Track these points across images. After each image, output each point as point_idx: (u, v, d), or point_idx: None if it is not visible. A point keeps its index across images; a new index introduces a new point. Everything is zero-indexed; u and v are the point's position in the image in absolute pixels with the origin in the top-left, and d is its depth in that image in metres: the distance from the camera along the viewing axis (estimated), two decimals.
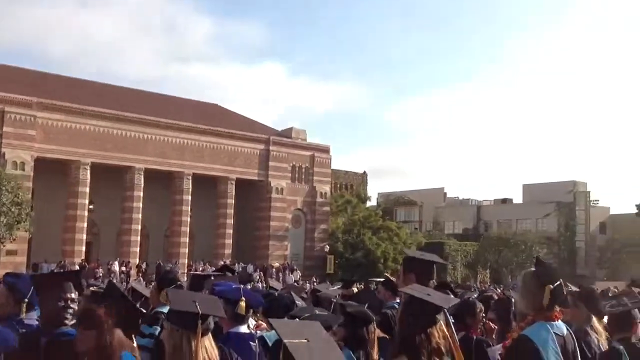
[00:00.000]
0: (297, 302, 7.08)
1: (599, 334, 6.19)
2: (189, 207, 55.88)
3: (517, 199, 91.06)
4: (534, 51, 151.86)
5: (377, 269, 56.35)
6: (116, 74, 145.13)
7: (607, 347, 5.95)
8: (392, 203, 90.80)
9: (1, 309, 5.50)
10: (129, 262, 51.27)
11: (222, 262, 45.30)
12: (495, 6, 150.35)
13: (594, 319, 6.31)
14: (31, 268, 44.96)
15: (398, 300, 7.05)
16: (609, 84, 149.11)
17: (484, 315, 7.17)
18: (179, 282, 7.13)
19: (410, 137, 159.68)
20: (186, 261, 54.77)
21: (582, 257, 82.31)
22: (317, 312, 5.68)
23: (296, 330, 3.49)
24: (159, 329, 6.32)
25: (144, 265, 51.84)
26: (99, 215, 52.73)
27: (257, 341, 5.65)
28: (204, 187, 56.69)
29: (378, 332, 6.18)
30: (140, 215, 53.18)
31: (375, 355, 5.57)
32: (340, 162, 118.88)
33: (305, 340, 3.30)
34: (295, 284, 41.70)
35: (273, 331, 4.72)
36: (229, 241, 58.24)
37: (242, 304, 5.47)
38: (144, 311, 7.90)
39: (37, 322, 5.57)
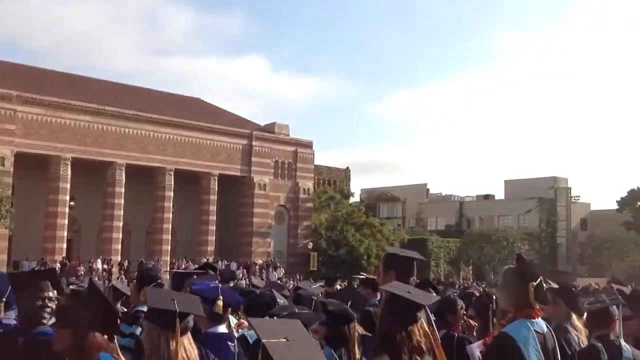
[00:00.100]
0: (278, 300, 7.04)
1: (579, 331, 6.20)
2: (171, 204, 55.66)
3: (499, 194, 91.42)
4: (516, 50, 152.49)
5: (361, 265, 56.33)
6: (96, 67, 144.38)
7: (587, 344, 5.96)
8: (375, 199, 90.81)
9: None
10: (110, 259, 50.97)
11: (205, 260, 45.34)
12: (482, 4, 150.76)
13: (574, 316, 6.32)
14: (12, 266, 44.67)
15: (379, 297, 7.03)
16: (589, 81, 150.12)
17: (464, 312, 7.16)
18: (159, 281, 7.09)
19: (392, 133, 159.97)
20: (168, 258, 54.56)
21: (563, 253, 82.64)
22: (296, 310, 5.64)
23: (275, 329, 3.45)
24: (139, 328, 6.26)
25: (125, 263, 51.58)
26: (80, 211, 52.42)
27: (236, 341, 5.61)
28: (186, 183, 56.47)
29: (361, 330, 6.16)
30: (121, 212, 52.91)
31: (357, 353, 5.54)
32: (323, 157, 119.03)
33: (285, 339, 3.26)
34: (279, 281, 41.62)
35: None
36: (211, 238, 58.11)
37: (220, 303, 5.42)
38: (125, 310, 7.86)
39: (15, 322, 5.51)
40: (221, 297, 5.47)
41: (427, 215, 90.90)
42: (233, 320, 7.16)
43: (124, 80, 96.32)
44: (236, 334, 6.53)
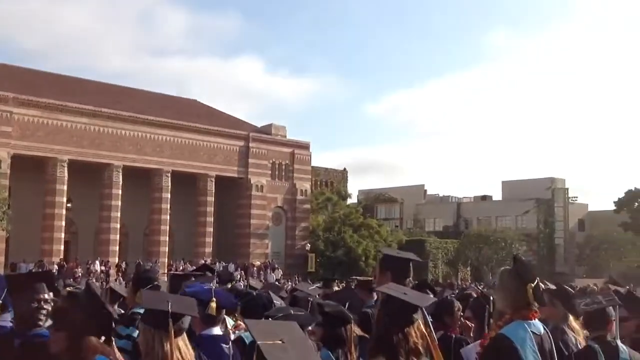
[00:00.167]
0: (275, 301, 7.02)
1: (576, 333, 6.19)
2: (168, 205, 55.61)
3: (497, 195, 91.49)
4: (514, 50, 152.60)
5: (359, 267, 56.32)
6: (92, 68, 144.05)
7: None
8: (373, 200, 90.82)
9: None
10: (108, 261, 50.92)
11: (203, 261, 45.29)
12: (479, 4, 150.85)
13: (571, 318, 6.31)
14: (9, 268, 44.59)
15: (376, 299, 7.03)
16: (587, 82, 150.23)
17: (461, 314, 7.16)
18: (155, 282, 7.05)
19: (390, 134, 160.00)
20: (166, 260, 54.49)
21: (561, 254, 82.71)
22: (292, 312, 5.62)
23: (271, 330, 3.43)
24: (136, 330, 6.24)
25: (123, 265, 51.52)
26: (77, 213, 52.37)
27: (230, 343, 5.60)
28: (184, 185, 56.45)
29: (358, 331, 6.15)
30: (119, 214, 52.87)
31: (354, 355, 5.53)
32: (320, 159, 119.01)
33: (280, 341, 3.25)
34: (277, 282, 41.58)
35: None
36: (209, 239, 58.07)
37: (213, 304, 5.42)
38: (123, 312, 7.84)
39: (11, 324, 5.50)
40: (215, 299, 5.47)
41: (424, 216, 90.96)
42: (230, 322, 7.14)
43: (120, 81, 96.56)
44: (233, 336, 6.52)
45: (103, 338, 4.41)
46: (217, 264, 50.64)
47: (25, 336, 5.12)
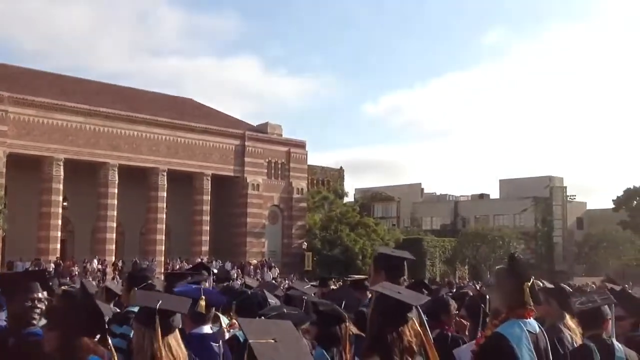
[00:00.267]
0: (270, 300, 7.01)
1: (572, 331, 6.18)
2: (165, 204, 55.58)
3: (494, 194, 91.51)
4: (511, 50, 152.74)
5: (356, 265, 56.33)
6: (88, 68, 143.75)
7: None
8: (369, 199, 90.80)
9: None
10: (104, 260, 50.93)
11: (199, 260, 45.28)
12: (478, 4, 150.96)
13: (567, 316, 6.30)
14: (6, 266, 44.60)
15: (370, 297, 7.02)
16: (585, 81, 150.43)
17: (456, 312, 7.16)
18: (149, 281, 7.03)
19: (386, 132, 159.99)
20: (162, 259, 54.50)
21: (559, 252, 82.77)
22: (285, 310, 5.62)
23: (264, 329, 3.41)
24: (130, 328, 6.25)
25: (120, 263, 51.49)
26: (73, 212, 52.34)
27: (220, 342, 5.60)
28: (180, 184, 56.41)
29: (354, 330, 6.13)
30: (115, 212, 52.81)
31: (349, 353, 5.52)
32: (316, 157, 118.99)
33: (272, 340, 3.23)
34: (274, 281, 41.57)
35: None
36: (205, 238, 58.04)
37: (202, 302, 5.43)
38: (119, 310, 7.83)
39: (5, 323, 5.50)
40: (203, 297, 5.47)
41: (421, 215, 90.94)
42: (225, 321, 7.14)
43: (116, 81, 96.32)
44: (228, 334, 6.52)
45: (98, 336, 4.41)
46: (214, 262, 50.66)
47: (19, 335, 5.13)
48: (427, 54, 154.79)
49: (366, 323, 5.64)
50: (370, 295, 7.02)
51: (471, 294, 9.40)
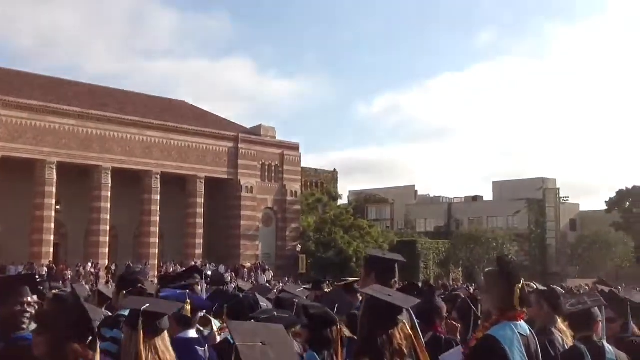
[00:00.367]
0: (262, 303, 7.00)
1: (563, 333, 6.18)
2: (158, 207, 55.47)
3: (488, 196, 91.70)
4: (504, 51, 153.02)
5: (350, 267, 56.33)
6: (80, 69, 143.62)
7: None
8: (363, 201, 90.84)
9: None
10: (97, 263, 50.81)
11: (193, 262, 45.19)
12: (468, 4, 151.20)
13: (559, 319, 6.30)
14: None
15: (361, 299, 7.02)
16: (577, 82, 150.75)
17: (446, 315, 7.15)
18: (140, 285, 7.00)
19: (380, 135, 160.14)
20: (156, 262, 54.39)
21: (553, 254, 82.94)
22: (275, 313, 5.61)
23: (252, 332, 3.40)
24: (120, 332, 6.23)
25: (113, 267, 51.37)
26: (66, 215, 52.19)
27: (206, 346, 5.60)
28: (173, 186, 56.36)
29: (347, 333, 6.12)
30: (108, 216, 52.71)
31: (341, 356, 5.51)
32: (310, 160, 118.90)
33: (260, 343, 3.22)
34: (268, 284, 41.50)
35: None
36: (199, 241, 57.95)
37: (187, 307, 5.42)
38: (110, 314, 7.80)
39: None
40: (188, 301, 5.47)
41: (415, 217, 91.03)
42: (216, 324, 7.13)
43: (108, 83, 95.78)
44: (219, 338, 6.50)
45: (90, 339, 4.39)
46: (208, 265, 50.62)
47: (9, 339, 5.09)
48: (420, 54, 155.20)
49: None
50: (361, 298, 7.03)
51: (463, 296, 9.39)
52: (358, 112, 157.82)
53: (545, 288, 8.13)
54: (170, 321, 4.69)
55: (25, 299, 5.28)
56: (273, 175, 63.44)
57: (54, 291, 9.70)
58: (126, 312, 6.11)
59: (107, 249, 52.96)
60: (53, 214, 50.27)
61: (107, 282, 42.52)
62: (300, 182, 67.14)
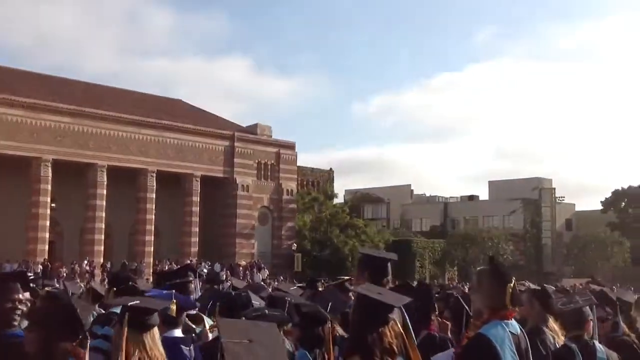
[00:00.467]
0: (255, 302, 7.00)
1: (555, 333, 6.18)
2: (154, 205, 55.40)
3: (483, 195, 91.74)
4: (500, 51, 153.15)
5: (345, 266, 56.36)
6: (76, 68, 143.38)
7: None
8: (359, 200, 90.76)
9: None
10: (93, 261, 50.74)
11: (189, 261, 45.22)
12: (464, 4, 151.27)
13: (551, 319, 6.30)
14: None
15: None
16: (574, 82, 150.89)
17: (437, 313, 7.15)
18: (131, 282, 6.99)
19: (377, 134, 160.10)
20: (151, 260, 54.32)
21: (548, 254, 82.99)
22: (266, 311, 5.62)
23: (241, 330, 3.39)
24: (111, 330, 6.23)
25: (108, 265, 51.29)
26: (61, 213, 51.98)
27: (191, 345, 5.60)
28: (169, 185, 56.19)
29: (341, 331, 6.12)
30: (103, 214, 52.65)
31: (332, 355, 5.51)
32: (306, 158, 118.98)
33: (248, 341, 3.21)
34: (263, 282, 41.47)
35: None
36: (195, 239, 57.88)
37: (173, 306, 5.42)
38: (103, 312, 7.80)
39: None
40: (174, 301, 5.47)
41: (411, 216, 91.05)
42: (209, 322, 7.13)
43: (104, 82, 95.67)
44: (211, 335, 6.50)
45: (80, 337, 4.39)
46: (203, 264, 50.61)
47: (0, 336, 5.08)
48: (417, 54, 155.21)
49: None
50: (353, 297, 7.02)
51: (455, 294, 9.38)
52: (355, 112, 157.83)
53: (539, 287, 8.14)
54: None
55: (16, 296, 5.27)
56: (269, 173, 63.41)
57: (46, 289, 9.70)
58: (118, 310, 6.11)
59: (102, 247, 52.88)
60: (48, 211, 50.18)
61: (102, 280, 42.50)
62: (296, 181, 67.11)
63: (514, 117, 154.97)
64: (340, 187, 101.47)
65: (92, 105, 52.93)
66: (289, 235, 63.90)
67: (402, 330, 4.42)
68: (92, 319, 7.13)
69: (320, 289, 11.73)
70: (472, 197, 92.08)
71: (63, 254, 52.40)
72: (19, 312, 5.24)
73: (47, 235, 50.37)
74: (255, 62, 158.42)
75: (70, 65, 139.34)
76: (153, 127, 55.69)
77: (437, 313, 7.10)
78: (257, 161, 62.33)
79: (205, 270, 45.52)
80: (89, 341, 4.62)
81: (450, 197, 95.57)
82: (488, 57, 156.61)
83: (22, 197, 49.15)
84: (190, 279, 8.24)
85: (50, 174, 49.92)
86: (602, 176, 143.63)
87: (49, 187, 49.91)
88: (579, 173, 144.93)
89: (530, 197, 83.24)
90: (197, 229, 58.02)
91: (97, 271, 49.66)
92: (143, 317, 4.29)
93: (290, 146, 65.82)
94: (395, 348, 4.28)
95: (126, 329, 4.21)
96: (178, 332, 5.60)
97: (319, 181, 79.68)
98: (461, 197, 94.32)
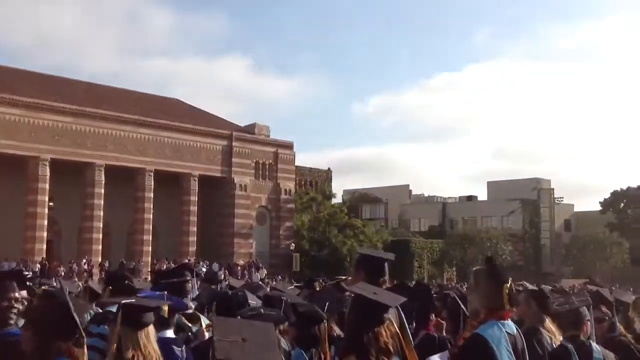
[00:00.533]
0: (251, 301, 7.00)
1: (552, 333, 6.17)
2: (152, 205, 55.40)
3: (482, 196, 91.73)
4: (499, 51, 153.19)
5: (344, 266, 56.37)
6: (75, 68, 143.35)
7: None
8: (357, 200, 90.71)
9: None
10: (90, 260, 50.72)
11: (187, 260, 45.15)
12: (463, 4, 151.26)
13: (548, 319, 6.30)
14: None
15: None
16: (573, 82, 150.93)
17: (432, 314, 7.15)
18: (127, 281, 6.99)
19: (375, 134, 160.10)
20: (149, 259, 54.30)
21: (547, 254, 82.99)
22: (262, 311, 5.62)
23: (235, 328, 3.38)
24: (107, 328, 6.23)
25: (106, 264, 51.27)
26: (59, 212, 52.03)
27: (183, 346, 5.61)
28: (167, 184, 56.19)
29: (338, 331, 6.12)
30: (101, 213, 52.63)
31: (328, 354, 5.52)
32: (304, 158, 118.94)
33: (241, 340, 3.19)
34: (261, 282, 41.44)
35: None
36: (192, 239, 57.90)
37: (165, 307, 5.44)
38: (101, 310, 7.79)
39: None
40: (167, 302, 5.48)
41: (410, 216, 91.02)
42: (205, 321, 7.13)
43: (103, 82, 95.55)
44: (207, 334, 6.50)
45: (76, 336, 4.39)
46: (201, 263, 50.58)
47: None
48: (417, 54, 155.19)
49: None
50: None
51: (452, 295, 9.39)
52: (354, 112, 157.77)
53: (536, 288, 8.14)
54: None
55: (12, 295, 5.27)
56: (267, 173, 63.38)
57: (43, 287, 9.70)
58: (114, 309, 6.12)
59: (100, 246, 52.86)
60: (46, 210, 50.20)
61: (100, 279, 42.44)
62: (294, 180, 67.05)
63: (513, 117, 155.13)
64: (339, 187, 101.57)
65: (91, 104, 52.93)
66: (287, 235, 63.90)
67: (398, 330, 4.43)
68: (89, 317, 7.13)
69: (317, 288, 11.75)
70: (470, 198, 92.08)
71: (61, 253, 52.40)
72: (15, 310, 5.25)
73: (45, 234, 50.37)
74: (254, 62, 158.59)
75: (70, 65, 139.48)
76: (151, 127, 55.67)
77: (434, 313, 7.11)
78: (255, 161, 62.30)
79: (204, 269, 45.54)
80: (85, 340, 4.61)
81: (449, 197, 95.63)
82: (487, 57, 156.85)
83: (20, 196, 49.15)
84: (188, 278, 8.25)
85: (48, 173, 49.90)
86: (601, 177, 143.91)
87: (47, 186, 49.90)
88: (578, 174, 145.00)
89: (529, 198, 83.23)
90: (195, 229, 58.03)
91: (95, 270, 49.60)
92: (137, 315, 4.30)
93: (289, 146, 65.81)
94: (391, 348, 4.29)
95: (119, 326, 4.22)
96: (170, 333, 5.63)
97: (317, 181, 79.62)
98: (460, 197, 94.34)
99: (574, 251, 79.26)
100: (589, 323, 5.94)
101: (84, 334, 4.55)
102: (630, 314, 7.54)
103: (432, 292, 11.08)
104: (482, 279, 4.84)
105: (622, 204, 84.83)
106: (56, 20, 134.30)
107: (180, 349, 5.50)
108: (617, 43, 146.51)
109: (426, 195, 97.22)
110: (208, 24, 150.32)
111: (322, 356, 5.45)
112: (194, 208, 58.08)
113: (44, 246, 50.18)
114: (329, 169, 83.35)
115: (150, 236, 55.66)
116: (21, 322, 5.04)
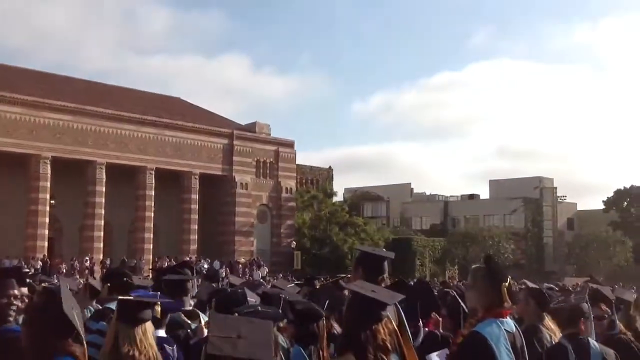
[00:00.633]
0: (250, 298, 6.99)
1: (551, 331, 6.17)
2: (153, 203, 55.46)
3: (484, 194, 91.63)
4: (500, 49, 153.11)
5: (345, 264, 56.35)
6: (75, 66, 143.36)
7: None
8: (359, 198, 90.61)
9: None
10: (92, 258, 50.79)
11: (188, 258, 45.24)
12: (462, 3, 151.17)
13: (548, 317, 6.30)
14: None
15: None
16: (575, 81, 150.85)
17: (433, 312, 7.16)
18: (125, 279, 6.98)
19: (376, 132, 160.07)
20: (151, 257, 54.35)
21: (550, 253, 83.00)
22: (259, 308, 5.61)
23: (231, 325, 3.35)
24: (106, 325, 6.25)
25: (108, 262, 51.32)
26: (61, 210, 52.10)
27: (174, 345, 5.63)
28: (168, 182, 56.29)
29: (338, 328, 6.12)
30: (102, 211, 52.69)
31: (327, 351, 5.51)
32: (305, 157, 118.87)
33: (236, 337, 3.17)
34: (262, 280, 41.48)
35: None
36: (194, 237, 57.98)
37: (158, 308, 5.45)
38: (100, 307, 7.80)
39: None
40: (159, 302, 5.49)
41: (411, 214, 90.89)
42: (204, 318, 7.14)
43: (103, 80, 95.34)
44: (206, 332, 6.50)
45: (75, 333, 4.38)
46: (202, 261, 50.63)
47: None
48: (417, 53, 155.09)
49: None
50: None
51: (452, 293, 9.38)
52: (354, 110, 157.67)
53: (536, 286, 8.14)
54: None
55: (11, 292, 5.26)
56: (268, 172, 63.42)
57: (43, 284, 9.69)
58: (114, 306, 6.12)
59: (101, 244, 52.94)
60: (48, 208, 50.27)
61: (101, 277, 42.54)
62: (295, 179, 67.09)
63: (515, 116, 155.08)
64: (340, 186, 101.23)
65: (91, 103, 52.99)
66: (288, 233, 63.93)
67: (396, 328, 4.42)
68: (89, 314, 7.14)
69: (317, 286, 11.76)
70: (472, 196, 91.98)
71: (62, 251, 52.51)
72: (14, 307, 5.23)
73: (47, 232, 50.47)
74: (254, 61, 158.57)
75: (70, 64, 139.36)
76: (152, 125, 55.74)
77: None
78: (256, 159, 62.34)
79: (205, 266, 45.64)
80: (83, 337, 4.61)
81: (451, 195, 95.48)
82: (487, 57, 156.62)
83: (21, 194, 49.25)
84: (188, 277, 8.26)
85: (49, 171, 49.98)
86: (604, 175, 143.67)
87: (48, 184, 49.99)
88: (581, 172, 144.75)
89: (531, 196, 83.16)
90: (196, 227, 58.09)
91: (97, 268, 49.65)
92: (134, 312, 4.30)
93: (289, 144, 65.85)
94: (388, 345, 4.29)
95: (115, 321, 4.23)
96: (161, 332, 5.65)
97: (318, 179, 79.55)
98: (461, 196, 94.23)
99: (576, 250, 79.21)
100: (588, 321, 5.93)
101: (81, 331, 4.56)
102: (631, 312, 7.52)
103: (435, 290, 11.11)
104: (480, 277, 4.85)
105: (625, 203, 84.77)
106: (55, 19, 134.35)
107: (171, 347, 5.52)
108: (617, 43, 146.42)
109: (428, 193, 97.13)
110: (207, 22, 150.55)
111: (321, 353, 5.44)
112: (195, 206, 58.13)
113: (46, 244, 50.28)
114: (330, 167, 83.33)
115: (152, 234, 55.74)
116: (22, 319, 5.05)
